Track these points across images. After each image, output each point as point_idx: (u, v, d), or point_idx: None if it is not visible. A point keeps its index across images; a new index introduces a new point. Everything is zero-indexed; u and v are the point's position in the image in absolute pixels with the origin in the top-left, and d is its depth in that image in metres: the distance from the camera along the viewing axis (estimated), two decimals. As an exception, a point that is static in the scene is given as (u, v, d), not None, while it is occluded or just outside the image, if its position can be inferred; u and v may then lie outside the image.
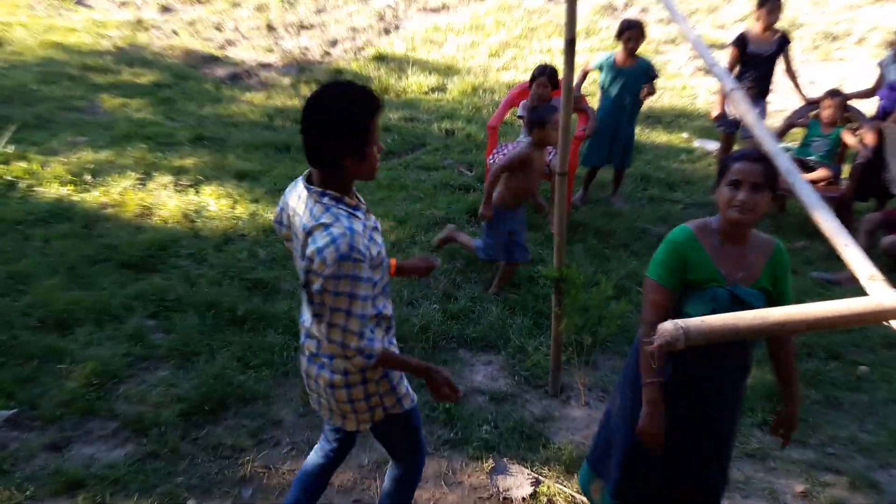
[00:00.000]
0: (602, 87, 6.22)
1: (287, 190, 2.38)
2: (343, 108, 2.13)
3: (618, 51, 6.14)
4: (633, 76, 6.11)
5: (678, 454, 2.64)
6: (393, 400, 2.50)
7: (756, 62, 6.30)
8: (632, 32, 6.00)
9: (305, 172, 2.30)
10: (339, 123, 2.13)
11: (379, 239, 2.33)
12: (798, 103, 6.78)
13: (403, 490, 2.83)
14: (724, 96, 6.41)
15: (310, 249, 2.15)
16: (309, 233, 2.18)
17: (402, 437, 2.68)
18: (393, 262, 2.65)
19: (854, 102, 6.44)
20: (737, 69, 6.44)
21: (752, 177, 2.37)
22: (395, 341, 2.56)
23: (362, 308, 2.17)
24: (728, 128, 6.56)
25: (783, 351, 2.61)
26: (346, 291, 2.13)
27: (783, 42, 6.36)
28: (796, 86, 6.60)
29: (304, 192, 2.25)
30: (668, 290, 2.48)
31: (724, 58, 7.52)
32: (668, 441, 2.57)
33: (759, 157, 2.41)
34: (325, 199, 2.20)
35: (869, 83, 6.57)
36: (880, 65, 6.38)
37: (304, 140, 2.18)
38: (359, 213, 2.25)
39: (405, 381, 2.56)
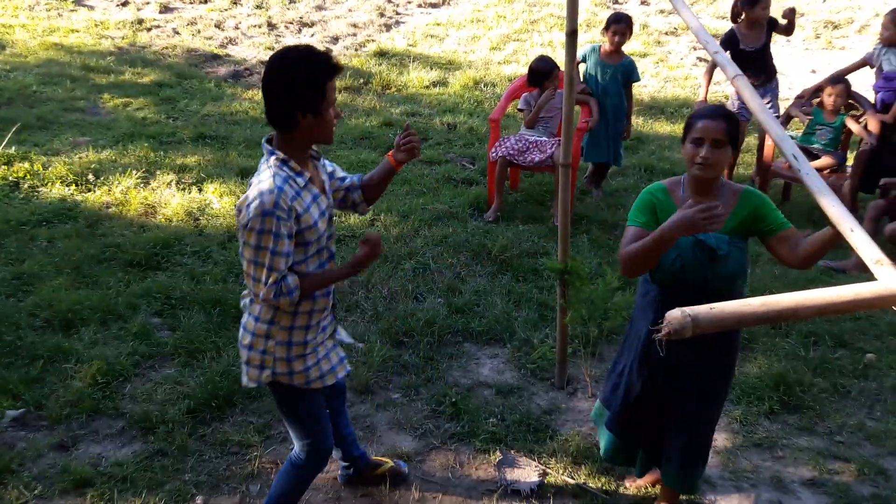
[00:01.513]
0: (585, 79, 6.19)
1: None
2: (301, 65, 2.26)
3: (604, 44, 6.13)
4: (618, 71, 6.10)
5: (664, 404, 2.84)
6: (284, 368, 2.51)
7: (749, 58, 6.23)
8: (618, 27, 5.99)
9: (266, 136, 2.42)
10: (297, 79, 2.25)
11: (317, 210, 2.42)
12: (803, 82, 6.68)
13: (290, 476, 2.78)
14: (710, 78, 6.42)
15: (239, 201, 2.31)
16: (250, 186, 2.34)
17: (288, 412, 2.66)
18: (391, 155, 2.73)
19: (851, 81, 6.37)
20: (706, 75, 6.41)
21: (714, 133, 2.50)
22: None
23: (272, 260, 2.28)
24: (740, 116, 6.51)
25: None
26: (266, 247, 2.26)
27: (771, 28, 6.31)
28: (789, 24, 6.46)
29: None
30: (641, 228, 2.62)
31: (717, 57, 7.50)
32: (646, 392, 2.83)
33: (721, 114, 2.54)
34: (272, 159, 2.34)
35: (853, 65, 6.50)
36: (868, 55, 6.30)
37: (264, 97, 2.31)
38: (299, 179, 2.36)
39: (310, 362, 2.54)
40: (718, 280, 2.59)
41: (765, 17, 6.20)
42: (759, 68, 6.30)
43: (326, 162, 2.67)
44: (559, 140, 5.73)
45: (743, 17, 6.25)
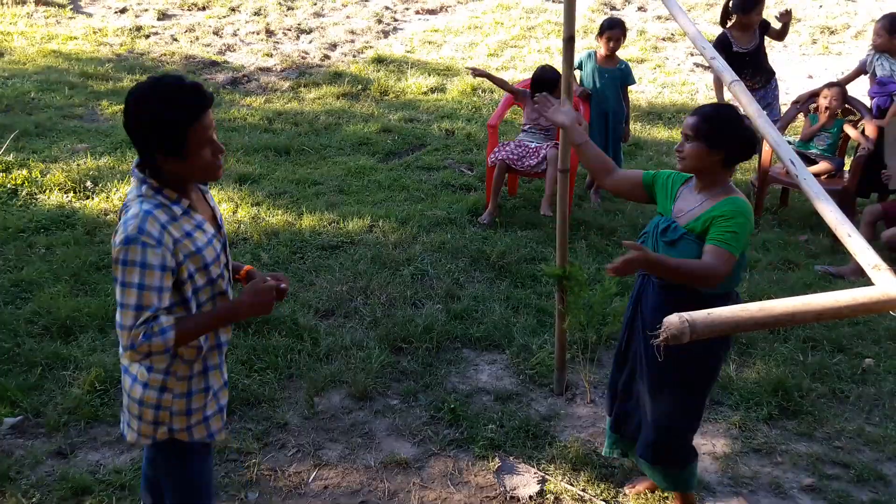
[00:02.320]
0: (582, 85, 6.21)
1: None
2: (155, 108, 1.97)
3: (599, 49, 6.16)
4: (614, 76, 6.13)
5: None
6: (183, 422, 2.20)
7: (743, 60, 6.25)
8: (612, 33, 6.05)
9: (137, 159, 2.13)
10: (150, 123, 1.98)
11: (204, 237, 2.13)
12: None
13: None
14: (719, 87, 6.41)
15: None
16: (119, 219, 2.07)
17: (176, 475, 2.31)
18: (247, 268, 2.42)
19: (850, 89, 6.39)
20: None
21: (685, 128, 2.69)
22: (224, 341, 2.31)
23: (153, 300, 1.97)
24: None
25: None
26: (132, 282, 1.95)
27: (763, 30, 6.34)
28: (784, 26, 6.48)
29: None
30: (645, 178, 2.91)
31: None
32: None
33: (699, 112, 2.70)
34: (143, 188, 2.06)
35: (851, 73, 6.52)
36: (861, 62, 6.32)
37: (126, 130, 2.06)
38: (175, 207, 2.07)
39: (209, 412, 2.26)
40: None
41: (757, 22, 6.24)
42: (755, 69, 6.32)
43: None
44: (555, 143, 5.75)
45: (734, 20, 6.27)
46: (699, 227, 2.65)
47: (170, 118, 1.97)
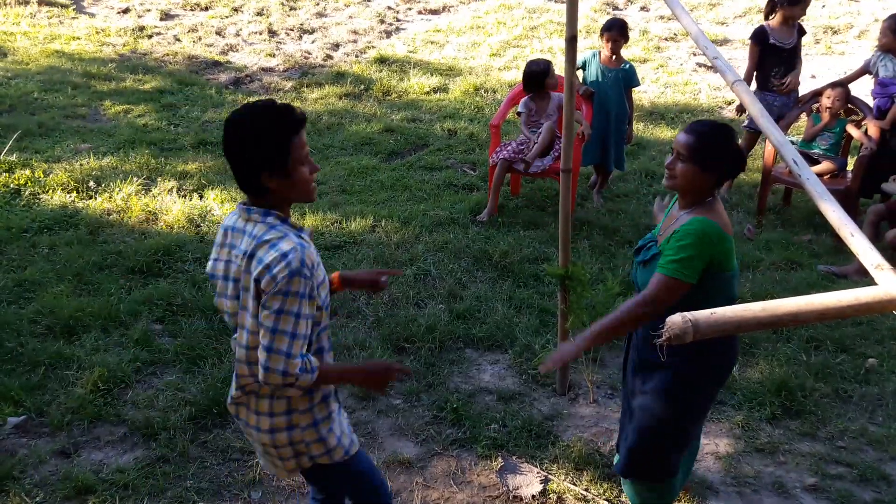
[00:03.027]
0: (585, 84, 6.20)
1: (224, 223, 2.27)
2: (259, 125, 2.08)
3: (603, 49, 6.16)
4: (618, 76, 6.13)
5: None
6: (321, 449, 2.31)
7: (780, 55, 6.23)
8: (611, 34, 6.06)
9: (242, 201, 2.22)
10: (255, 141, 2.07)
11: (322, 268, 2.22)
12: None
13: None
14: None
15: (256, 270, 2.05)
16: (251, 256, 2.09)
17: (341, 485, 2.51)
18: (336, 274, 2.55)
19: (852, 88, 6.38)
20: (747, 71, 6.37)
21: (679, 146, 2.55)
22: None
23: (306, 328, 2.09)
24: (755, 126, 6.48)
25: None
26: (292, 310, 2.05)
27: (801, 34, 6.31)
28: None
29: (243, 219, 2.18)
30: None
31: (741, 54, 7.52)
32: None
33: (695, 130, 2.55)
34: (270, 219, 2.13)
35: (855, 73, 6.52)
36: (866, 62, 6.32)
37: (227, 160, 2.14)
38: (304, 235, 2.18)
39: (338, 432, 2.35)
40: (643, 285, 2.59)
41: (800, 16, 6.18)
42: (787, 68, 6.26)
43: None
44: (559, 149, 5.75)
45: (777, 13, 6.23)
46: (664, 246, 2.56)
47: (273, 131, 2.08)
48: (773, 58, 6.25)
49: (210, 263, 2.29)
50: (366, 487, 2.50)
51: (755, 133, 6.58)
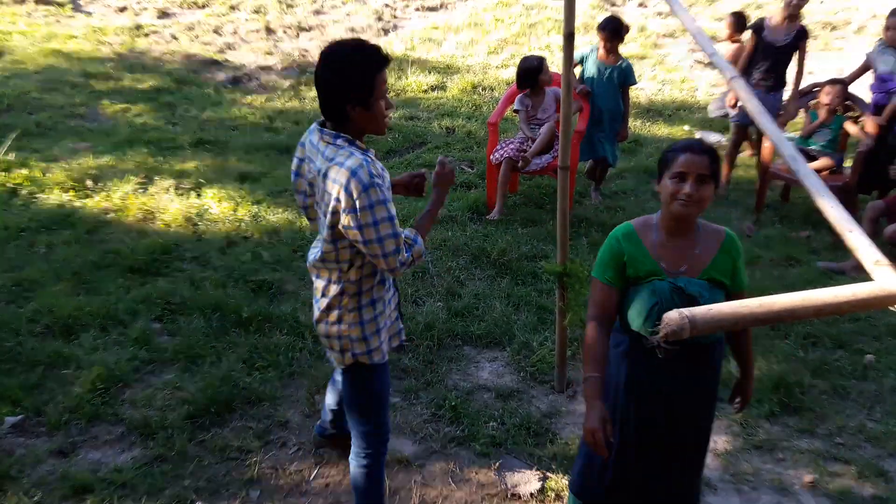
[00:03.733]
0: (583, 80, 6.20)
1: (302, 139, 2.53)
2: (348, 58, 2.31)
3: (599, 46, 6.15)
4: (614, 73, 6.12)
5: (636, 460, 2.58)
6: (363, 348, 2.56)
7: (767, 52, 6.21)
8: (603, 34, 6.05)
9: (318, 120, 2.46)
10: (344, 72, 2.30)
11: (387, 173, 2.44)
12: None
13: (371, 478, 2.77)
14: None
15: (333, 189, 2.29)
16: (325, 175, 2.34)
17: (363, 394, 2.68)
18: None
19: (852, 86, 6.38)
20: (741, 61, 6.36)
21: (698, 168, 2.33)
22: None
23: (393, 227, 2.33)
24: (742, 119, 6.48)
25: (741, 335, 2.63)
26: (383, 217, 2.29)
27: (801, 35, 6.18)
28: (796, 84, 6.34)
29: (317, 138, 2.42)
30: (608, 286, 2.47)
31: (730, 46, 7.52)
32: (623, 445, 2.55)
33: (705, 149, 2.39)
34: (339, 141, 2.36)
35: (857, 70, 6.52)
36: (868, 55, 6.32)
37: (317, 90, 2.37)
38: (369, 154, 2.39)
39: (383, 336, 2.60)
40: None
41: (798, 9, 6.13)
42: (771, 66, 6.24)
43: None
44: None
45: (779, 10, 6.21)
46: (719, 274, 2.46)
47: (361, 64, 2.31)
48: (763, 52, 6.23)
49: (295, 162, 2.60)
50: (375, 412, 2.71)
51: (743, 126, 6.60)
